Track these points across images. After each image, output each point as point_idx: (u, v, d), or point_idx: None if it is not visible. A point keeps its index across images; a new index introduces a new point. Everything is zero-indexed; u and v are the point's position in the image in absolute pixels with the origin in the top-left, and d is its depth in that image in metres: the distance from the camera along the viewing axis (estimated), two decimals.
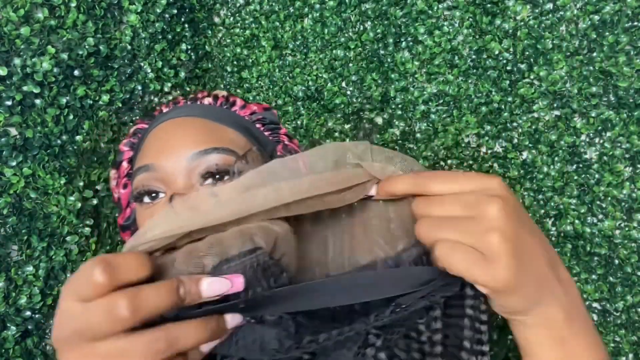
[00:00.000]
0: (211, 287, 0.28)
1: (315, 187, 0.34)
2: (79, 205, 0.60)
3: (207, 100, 0.56)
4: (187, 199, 0.33)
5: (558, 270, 0.32)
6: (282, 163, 0.35)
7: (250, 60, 0.84)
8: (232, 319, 0.29)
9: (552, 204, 0.71)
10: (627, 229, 0.68)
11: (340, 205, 0.35)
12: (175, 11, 0.74)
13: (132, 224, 0.56)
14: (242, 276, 0.29)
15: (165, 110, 0.57)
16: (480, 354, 0.31)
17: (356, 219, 0.38)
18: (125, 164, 0.57)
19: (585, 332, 0.32)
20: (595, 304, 0.72)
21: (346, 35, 0.78)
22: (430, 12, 0.73)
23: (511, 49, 0.70)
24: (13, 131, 0.54)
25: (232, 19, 0.85)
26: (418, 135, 0.76)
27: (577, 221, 0.70)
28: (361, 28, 0.77)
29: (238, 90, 0.86)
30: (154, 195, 0.48)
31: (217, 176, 0.47)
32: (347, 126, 0.80)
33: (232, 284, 0.28)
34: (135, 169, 0.51)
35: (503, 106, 0.72)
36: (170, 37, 0.74)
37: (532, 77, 0.70)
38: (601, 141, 0.69)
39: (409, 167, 0.37)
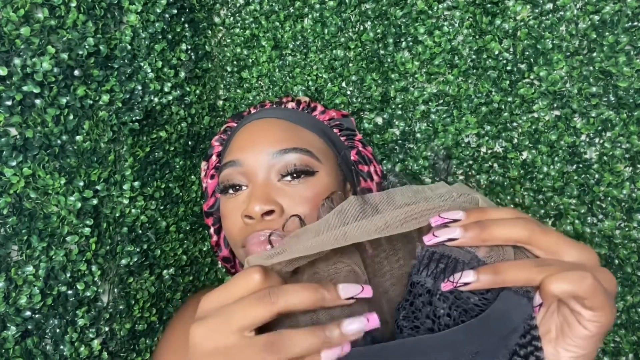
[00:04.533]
0: (346, 289, 0.30)
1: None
2: (79, 205, 0.60)
3: (291, 105, 0.61)
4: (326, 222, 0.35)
5: None
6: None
7: (250, 60, 0.84)
8: (350, 324, 0.29)
9: (552, 204, 0.71)
10: (627, 229, 0.68)
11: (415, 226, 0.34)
12: (175, 11, 0.74)
13: (216, 211, 0.62)
14: (370, 287, 0.30)
15: (253, 111, 0.62)
16: None
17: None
18: (214, 158, 0.63)
19: None
20: None
21: (346, 35, 0.78)
22: (430, 12, 0.73)
23: (511, 49, 0.70)
24: (13, 131, 0.54)
25: (232, 19, 0.85)
26: (418, 135, 0.76)
27: (577, 221, 0.70)
28: (361, 28, 0.77)
29: (238, 90, 0.86)
30: (237, 188, 0.54)
31: (295, 175, 0.51)
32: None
33: (363, 289, 0.30)
34: (222, 163, 0.56)
35: (503, 106, 0.72)
36: (170, 37, 0.74)
37: (532, 77, 0.70)
38: (601, 141, 0.69)
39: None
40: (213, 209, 0.64)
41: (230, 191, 0.55)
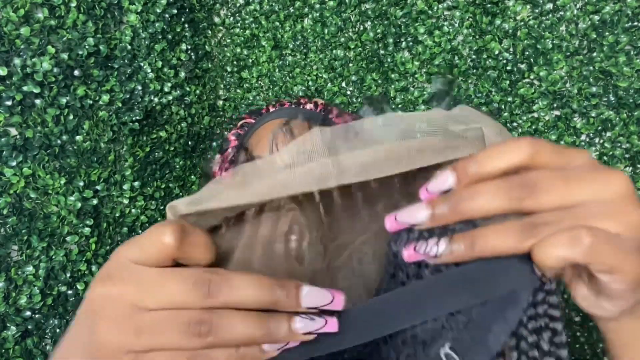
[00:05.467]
0: (311, 295, 0.23)
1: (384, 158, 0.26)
2: (79, 205, 0.60)
3: (309, 106, 0.64)
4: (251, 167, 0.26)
5: None
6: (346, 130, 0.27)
7: (250, 60, 0.84)
8: (301, 322, 0.24)
9: None
10: None
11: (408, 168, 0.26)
12: (175, 11, 0.74)
13: None
14: (344, 293, 0.24)
15: (272, 110, 0.64)
16: (557, 357, 0.26)
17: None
18: (230, 151, 0.64)
19: None
20: None
21: (346, 35, 0.78)
22: (430, 12, 0.73)
23: (511, 49, 0.70)
24: (13, 131, 0.54)
25: (232, 19, 0.85)
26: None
27: None
28: (361, 28, 0.77)
29: (238, 90, 0.86)
30: None
31: None
32: None
33: (333, 297, 0.23)
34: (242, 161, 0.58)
35: (503, 106, 0.72)
36: (170, 37, 0.74)
37: (532, 77, 0.70)
38: (601, 141, 0.69)
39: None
40: None
41: None
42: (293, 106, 0.64)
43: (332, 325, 0.24)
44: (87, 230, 0.61)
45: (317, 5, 0.77)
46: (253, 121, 0.65)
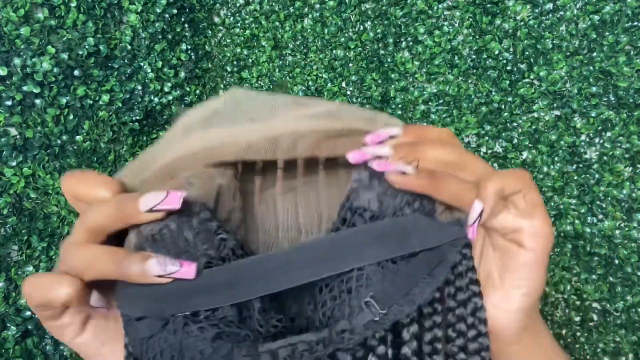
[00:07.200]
0: (146, 200, 0.23)
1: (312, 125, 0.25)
2: None
3: None
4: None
5: None
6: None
7: (250, 60, 0.84)
8: (154, 265, 0.23)
9: (552, 204, 0.71)
10: (627, 229, 0.68)
11: (329, 155, 0.25)
12: (175, 11, 0.74)
13: None
14: (183, 192, 0.23)
15: None
16: (478, 331, 0.27)
17: (318, 183, 0.28)
18: None
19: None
20: (595, 304, 0.72)
21: (346, 35, 0.78)
22: (430, 12, 0.73)
23: (511, 49, 0.70)
24: (13, 131, 0.54)
25: (232, 19, 0.85)
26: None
27: (577, 221, 0.70)
28: (361, 28, 0.77)
29: None
30: None
31: None
32: None
33: (168, 197, 0.23)
34: None
35: (503, 106, 0.72)
36: (170, 37, 0.74)
37: (532, 77, 0.70)
38: (601, 141, 0.69)
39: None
40: None
41: None
42: None
43: (187, 271, 0.22)
44: None
45: (317, 5, 0.77)
46: None
